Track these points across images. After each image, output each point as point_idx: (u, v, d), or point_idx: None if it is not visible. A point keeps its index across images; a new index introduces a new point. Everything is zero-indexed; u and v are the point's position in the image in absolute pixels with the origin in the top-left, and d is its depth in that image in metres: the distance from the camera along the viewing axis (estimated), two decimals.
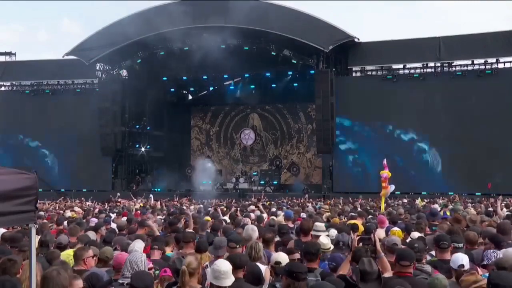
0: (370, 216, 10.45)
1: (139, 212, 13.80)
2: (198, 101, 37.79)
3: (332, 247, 6.25)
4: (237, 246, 5.87)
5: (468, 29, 63.89)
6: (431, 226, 8.65)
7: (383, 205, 10.98)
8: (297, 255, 5.69)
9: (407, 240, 6.74)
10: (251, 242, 5.91)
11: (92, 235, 7.69)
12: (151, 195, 23.67)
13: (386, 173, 12.16)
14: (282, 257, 5.39)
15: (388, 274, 4.89)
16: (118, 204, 20.07)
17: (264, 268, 5.32)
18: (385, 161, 12.63)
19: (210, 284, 4.46)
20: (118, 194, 27.47)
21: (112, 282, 4.80)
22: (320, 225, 7.16)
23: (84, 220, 10.85)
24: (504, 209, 12.59)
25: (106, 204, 20.39)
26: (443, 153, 27.64)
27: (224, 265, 4.48)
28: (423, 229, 7.99)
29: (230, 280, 4.41)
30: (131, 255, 4.62)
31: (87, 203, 21.12)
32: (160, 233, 8.13)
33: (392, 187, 12.12)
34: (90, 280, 5.01)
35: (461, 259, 4.96)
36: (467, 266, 4.90)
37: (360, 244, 5.21)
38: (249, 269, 5.00)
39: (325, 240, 6.26)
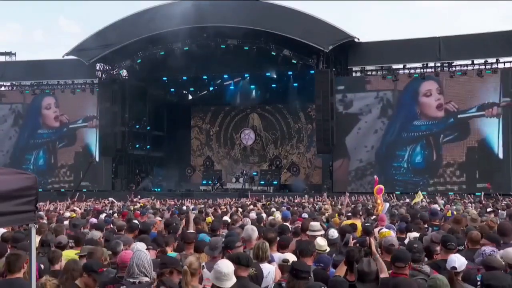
0: (372, 217, 10.42)
1: (138, 212, 13.77)
2: (198, 101, 37.74)
3: (329, 249, 6.25)
4: (241, 244, 5.86)
5: (468, 29, 63.97)
6: (432, 226, 8.65)
7: (380, 210, 11.05)
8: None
9: (405, 241, 6.74)
10: (258, 242, 5.89)
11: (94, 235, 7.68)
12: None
13: (379, 187, 12.20)
14: (290, 256, 5.40)
15: (384, 275, 4.90)
16: (137, 203, 19.83)
17: (273, 268, 5.34)
18: (376, 177, 12.79)
19: (212, 284, 4.44)
20: (139, 196, 25.86)
21: (120, 280, 4.77)
22: (315, 224, 7.15)
23: (85, 220, 10.87)
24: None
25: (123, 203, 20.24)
26: None
27: (226, 266, 4.45)
28: (421, 229, 7.99)
29: (231, 281, 4.38)
30: (135, 254, 4.58)
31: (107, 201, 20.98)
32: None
33: (386, 205, 12.09)
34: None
35: (455, 261, 4.88)
36: (460, 268, 4.84)
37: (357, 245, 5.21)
38: (256, 269, 5.04)
39: (322, 241, 6.22)
